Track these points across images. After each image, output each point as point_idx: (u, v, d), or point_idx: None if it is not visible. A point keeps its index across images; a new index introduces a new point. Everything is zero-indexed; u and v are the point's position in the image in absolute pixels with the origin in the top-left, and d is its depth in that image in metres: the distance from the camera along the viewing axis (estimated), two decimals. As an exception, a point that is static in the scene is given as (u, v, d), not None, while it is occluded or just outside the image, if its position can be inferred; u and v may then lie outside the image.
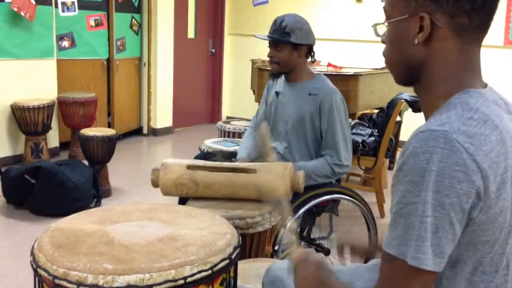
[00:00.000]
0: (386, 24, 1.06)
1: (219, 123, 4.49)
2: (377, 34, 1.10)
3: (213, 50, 7.33)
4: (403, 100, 3.80)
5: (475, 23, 0.95)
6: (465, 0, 0.93)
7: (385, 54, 1.09)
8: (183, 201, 2.33)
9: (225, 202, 2.07)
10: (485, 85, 1.02)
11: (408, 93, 4.06)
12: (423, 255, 0.88)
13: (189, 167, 2.09)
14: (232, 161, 2.54)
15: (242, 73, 7.17)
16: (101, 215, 1.56)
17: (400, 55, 1.04)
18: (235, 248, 1.40)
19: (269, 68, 4.46)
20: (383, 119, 3.95)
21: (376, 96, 4.35)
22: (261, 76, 4.55)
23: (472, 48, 0.99)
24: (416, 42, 0.99)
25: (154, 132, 6.48)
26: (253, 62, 5.09)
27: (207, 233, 1.45)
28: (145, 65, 6.35)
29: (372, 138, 3.86)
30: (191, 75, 7.04)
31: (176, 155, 6.04)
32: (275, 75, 2.57)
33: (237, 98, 7.54)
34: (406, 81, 1.08)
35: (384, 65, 3.92)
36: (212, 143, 3.21)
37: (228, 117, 7.36)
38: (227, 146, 3.11)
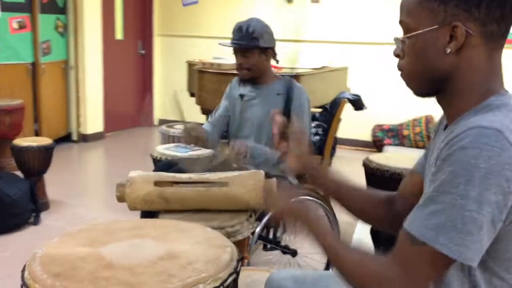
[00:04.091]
0: (402, 38, 1.06)
1: (163, 127, 4.37)
2: (397, 48, 1.08)
3: (143, 52, 7.13)
4: (346, 99, 3.92)
5: (502, 30, 0.99)
6: (495, 8, 0.96)
7: (405, 67, 1.08)
8: (147, 213, 2.25)
9: (199, 213, 2.02)
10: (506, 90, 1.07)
11: (349, 92, 4.19)
12: (455, 245, 0.90)
13: (157, 183, 2.01)
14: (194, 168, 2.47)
15: (174, 74, 7.02)
16: (87, 237, 1.47)
17: (425, 67, 1.04)
18: (238, 261, 1.38)
19: (210, 70, 4.47)
20: (327, 118, 4.04)
21: (317, 96, 4.44)
22: (201, 78, 4.49)
23: (497, 54, 1.02)
24: (449, 51, 0.99)
25: (84, 138, 6.18)
26: (191, 63, 5.00)
27: (207, 247, 1.41)
28: (72, 68, 6.04)
29: (317, 137, 3.94)
30: (121, 77, 6.80)
31: (110, 161, 5.83)
32: (246, 81, 2.55)
33: (169, 101, 7.37)
34: (428, 92, 1.08)
35: (322, 64, 4.00)
36: (165, 149, 3.11)
37: (160, 120, 7.20)
38: (181, 152, 3.03)
